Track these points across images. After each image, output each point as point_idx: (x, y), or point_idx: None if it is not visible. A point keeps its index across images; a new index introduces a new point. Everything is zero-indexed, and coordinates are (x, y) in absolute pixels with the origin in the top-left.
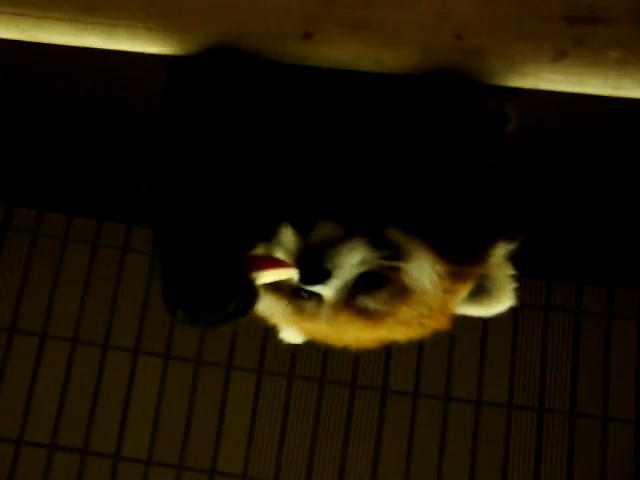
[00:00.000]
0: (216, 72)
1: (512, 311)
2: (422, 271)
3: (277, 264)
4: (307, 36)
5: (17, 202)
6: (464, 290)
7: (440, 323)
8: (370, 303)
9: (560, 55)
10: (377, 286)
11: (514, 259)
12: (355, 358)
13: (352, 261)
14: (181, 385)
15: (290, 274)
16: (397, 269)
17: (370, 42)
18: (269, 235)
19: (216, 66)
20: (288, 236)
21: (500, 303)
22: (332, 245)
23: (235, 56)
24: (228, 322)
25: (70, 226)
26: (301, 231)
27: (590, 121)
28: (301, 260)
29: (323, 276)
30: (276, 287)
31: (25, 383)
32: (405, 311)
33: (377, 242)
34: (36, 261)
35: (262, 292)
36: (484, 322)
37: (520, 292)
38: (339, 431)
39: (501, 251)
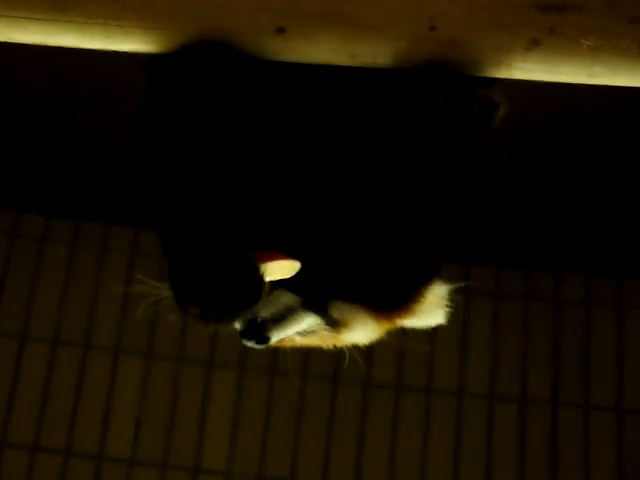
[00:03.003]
0: (198, 68)
1: (493, 302)
2: (359, 335)
3: (281, 256)
4: (280, 31)
5: None
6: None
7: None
8: (299, 340)
9: (534, 44)
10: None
11: (497, 249)
12: (336, 353)
13: (294, 332)
14: (163, 384)
15: (295, 266)
16: (334, 331)
17: (344, 36)
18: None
19: (197, 62)
20: None
21: (429, 321)
22: (282, 315)
23: (216, 51)
24: (240, 314)
25: (48, 227)
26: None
27: (573, 109)
28: (250, 322)
29: (262, 342)
30: None
31: (5, 385)
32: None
33: (323, 314)
34: (14, 263)
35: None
36: (464, 313)
37: (500, 282)
38: (322, 426)
39: (437, 291)
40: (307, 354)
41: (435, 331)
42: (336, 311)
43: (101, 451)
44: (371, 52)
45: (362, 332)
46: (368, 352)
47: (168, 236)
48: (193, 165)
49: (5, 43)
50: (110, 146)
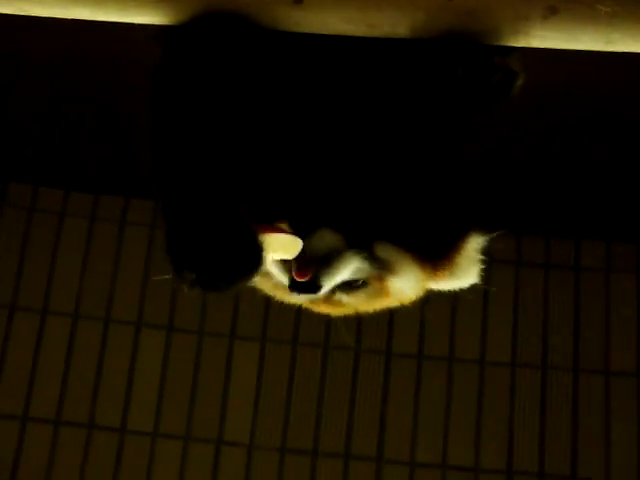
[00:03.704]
0: (212, 39)
1: (514, 271)
2: (405, 282)
3: (281, 231)
4: (298, 1)
5: (12, 178)
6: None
7: (398, 305)
8: (346, 298)
9: (551, 12)
10: (357, 287)
11: (512, 220)
12: (358, 322)
13: (344, 275)
14: (185, 356)
15: (296, 243)
16: (380, 277)
17: (361, 6)
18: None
19: (212, 33)
20: None
21: (463, 282)
22: (328, 258)
23: (229, 22)
24: (237, 283)
25: (67, 201)
26: (300, 235)
27: (582, 80)
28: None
29: (313, 290)
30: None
31: (27, 360)
32: (376, 304)
33: (369, 255)
34: (34, 237)
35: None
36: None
37: (519, 251)
38: (345, 396)
39: (474, 243)
40: (327, 325)
41: (456, 301)
42: (382, 251)
43: (124, 424)
44: (389, 22)
45: (407, 278)
46: (389, 323)
47: (170, 203)
48: (207, 133)
49: (12, 16)
50: (129, 119)
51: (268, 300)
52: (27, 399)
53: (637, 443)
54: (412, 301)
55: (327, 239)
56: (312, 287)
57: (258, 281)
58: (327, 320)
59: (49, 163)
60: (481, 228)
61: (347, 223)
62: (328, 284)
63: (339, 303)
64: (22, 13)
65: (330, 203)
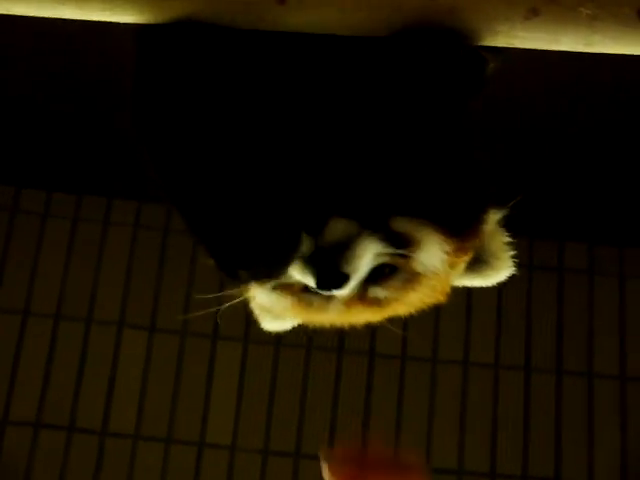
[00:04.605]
0: (186, 43)
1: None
2: (431, 254)
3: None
4: (281, 2)
5: None
6: (464, 263)
7: (439, 299)
8: (381, 292)
9: (532, 13)
10: (387, 275)
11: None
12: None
13: (367, 260)
14: (167, 357)
15: None
16: (407, 256)
17: (344, 5)
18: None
19: (186, 37)
20: None
21: (499, 272)
22: (346, 245)
23: (202, 27)
24: (286, 265)
25: (49, 201)
26: (311, 232)
27: (571, 82)
28: (317, 265)
29: (341, 281)
30: (282, 284)
31: (8, 361)
32: (413, 294)
33: (386, 234)
34: (16, 238)
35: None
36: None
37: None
38: (327, 398)
39: (494, 218)
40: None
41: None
42: (399, 225)
43: (105, 426)
44: (371, 21)
45: (433, 250)
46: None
47: (193, 212)
48: (197, 133)
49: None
50: (111, 119)
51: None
52: (7, 401)
53: (620, 445)
54: (449, 290)
55: (340, 227)
56: (339, 278)
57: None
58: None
59: (31, 165)
60: (496, 203)
61: (357, 207)
62: (354, 272)
63: (376, 301)
64: (7, 12)
65: (335, 190)
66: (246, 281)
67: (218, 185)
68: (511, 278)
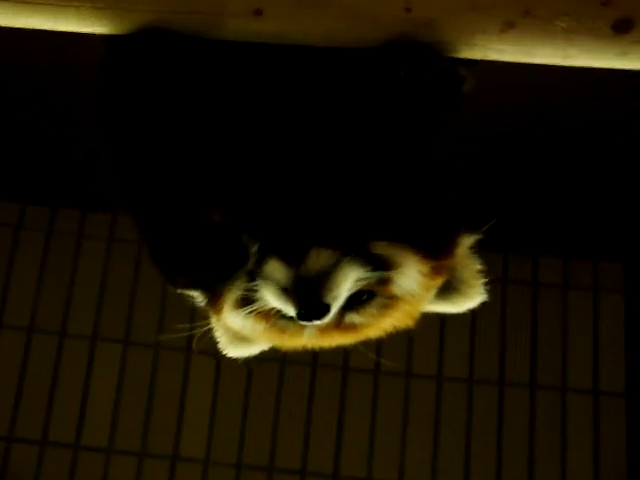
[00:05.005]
0: (151, 52)
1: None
2: (409, 276)
3: None
4: (258, 13)
5: None
6: (436, 287)
7: (409, 324)
8: (357, 318)
9: (508, 26)
10: (364, 301)
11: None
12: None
13: (348, 287)
14: (141, 371)
15: None
16: (386, 281)
17: (320, 17)
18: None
19: (152, 45)
20: (278, 270)
21: (471, 299)
22: (327, 274)
23: (169, 36)
24: (228, 277)
25: (23, 214)
26: (291, 262)
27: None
28: (299, 296)
29: (323, 312)
30: (258, 310)
31: None
32: (387, 319)
33: (366, 259)
34: None
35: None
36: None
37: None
38: (301, 411)
39: (467, 242)
40: None
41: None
42: (378, 248)
43: (78, 440)
44: (347, 33)
45: (410, 273)
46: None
47: (143, 214)
48: (157, 143)
49: None
50: (85, 132)
51: None
52: None
53: (593, 460)
54: (421, 313)
55: (321, 257)
56: (321, 309)
57: (254, 333)
58: None
59: (5, 177)
60: (469, 227)
61: (336, 235)
62: (335, 301)
63: (352, 327)
64: None
65: (313, 220)
66: (183, 287)
67: (174, 190)
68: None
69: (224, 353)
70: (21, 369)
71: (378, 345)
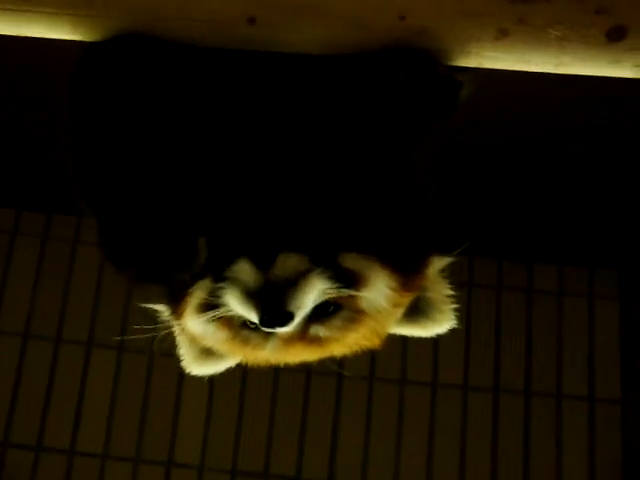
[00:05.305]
0: (127, 57)
1: (466, 292)
2: (377, 291)
3: None
4: (251, 21)
5: None
6: (405, 305)
7: (375, 343)
8: (322, 331)
9: (502, 33)
10: (330, 313)
11: (465, 242)
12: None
13: (313, 297)
14: (136, 377)
15: None
16: (352, 295)
17: (314, 25)
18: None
19: (128, 51)
20: (246, 272)
21: (440, 324)
22: (294, 282)
23: (145, 41)
24: (175, 275)
25: (18, 220)
26: (261, 265)
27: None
28: (263, 301)
29: (286, 319)
30: (220, 316)
31: None
32: (352, 335)
33: (335, 271)
34: None
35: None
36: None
37: (472, 272)
38: (296, 418)
39: (438, 264)
40: None
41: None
42: (347, 260)
43: (73, 446)
44: (341, 42)
45: (378, 287)
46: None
47: (100, 208)
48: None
49: None
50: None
51: None
52: None
53: (588, 466)
54: (388, 332)
55: (290, 262)
56: (284, 316)
57: (216, 340)
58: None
59: (0, 183)
60: (440, 250)
61: (307, 242)
62: (299, 310)
63: (316, 340)
64: None
65: (284, 224)
66: (132, 279)
67: (140, 190)
68: (480, 299)
69: (188, 371)
70: (16, 374)
71: (372, 354)
